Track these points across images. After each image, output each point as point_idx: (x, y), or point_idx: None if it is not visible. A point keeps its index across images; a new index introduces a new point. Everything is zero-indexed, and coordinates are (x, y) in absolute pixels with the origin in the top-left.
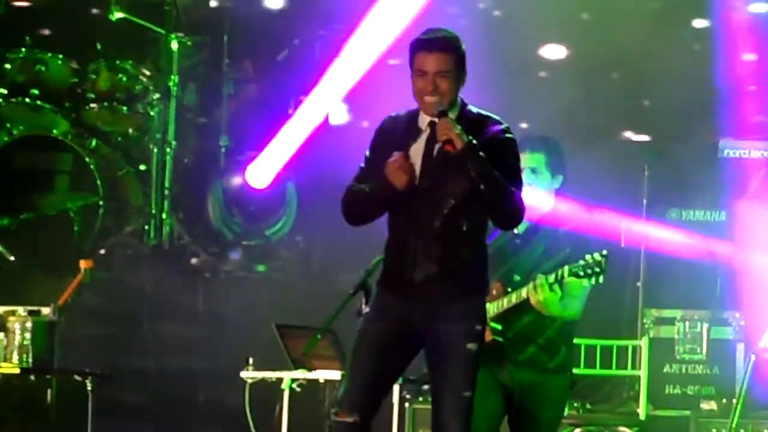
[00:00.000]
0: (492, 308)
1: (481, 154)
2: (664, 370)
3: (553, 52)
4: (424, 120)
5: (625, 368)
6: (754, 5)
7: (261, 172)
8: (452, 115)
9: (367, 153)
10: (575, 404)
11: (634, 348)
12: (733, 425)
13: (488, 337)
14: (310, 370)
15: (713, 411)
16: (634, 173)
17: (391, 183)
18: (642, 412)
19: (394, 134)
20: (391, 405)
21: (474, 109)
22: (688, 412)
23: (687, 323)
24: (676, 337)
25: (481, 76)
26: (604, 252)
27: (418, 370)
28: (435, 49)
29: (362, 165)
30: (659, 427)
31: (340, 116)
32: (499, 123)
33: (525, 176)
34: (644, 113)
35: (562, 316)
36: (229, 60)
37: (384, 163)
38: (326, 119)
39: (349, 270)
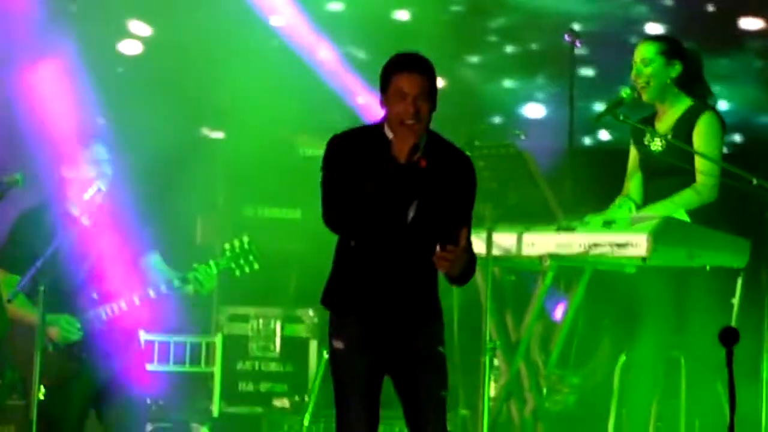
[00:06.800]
0: None
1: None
2: (238, 367)
3: (140, 29)
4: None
5: (199, 365)
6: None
7: None
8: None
9: (329, 171)
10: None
11: (208, 344)
12: (305, 423)
13: None
14: None
15: (285, 408)
16: (208, 170)
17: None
18: (215, 409)
19: (360, 155)
20: None
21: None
22: (260, 409)
23: (260, 320)
24: (250, 334)
25: None
26: (246, 237)
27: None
28: (416, 70)
29: (331, 180)
30: (232, 425)
31: None
32: (465, 155)
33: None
34: (222, 109)
35: None
36: None
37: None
38: None
39: None
